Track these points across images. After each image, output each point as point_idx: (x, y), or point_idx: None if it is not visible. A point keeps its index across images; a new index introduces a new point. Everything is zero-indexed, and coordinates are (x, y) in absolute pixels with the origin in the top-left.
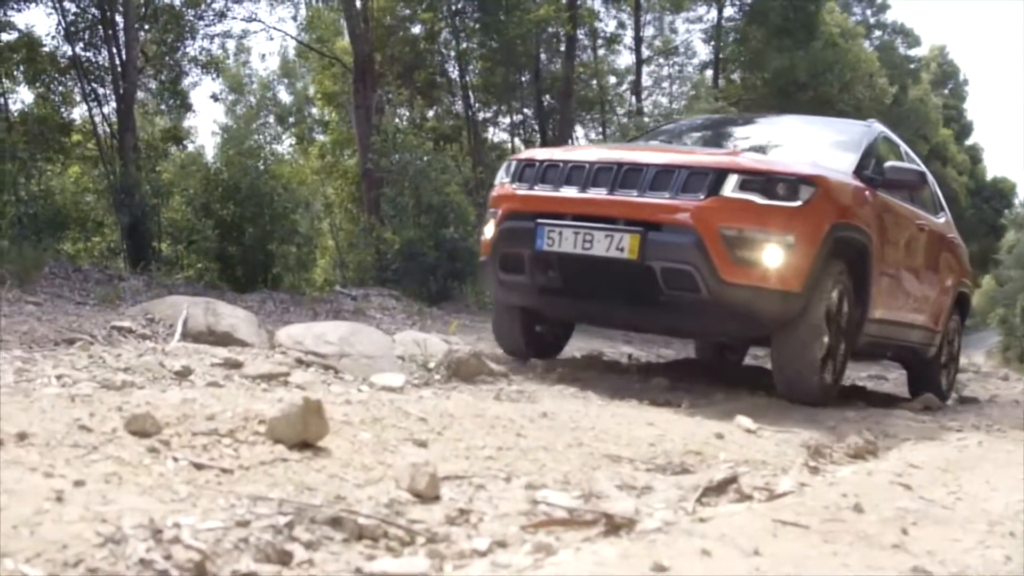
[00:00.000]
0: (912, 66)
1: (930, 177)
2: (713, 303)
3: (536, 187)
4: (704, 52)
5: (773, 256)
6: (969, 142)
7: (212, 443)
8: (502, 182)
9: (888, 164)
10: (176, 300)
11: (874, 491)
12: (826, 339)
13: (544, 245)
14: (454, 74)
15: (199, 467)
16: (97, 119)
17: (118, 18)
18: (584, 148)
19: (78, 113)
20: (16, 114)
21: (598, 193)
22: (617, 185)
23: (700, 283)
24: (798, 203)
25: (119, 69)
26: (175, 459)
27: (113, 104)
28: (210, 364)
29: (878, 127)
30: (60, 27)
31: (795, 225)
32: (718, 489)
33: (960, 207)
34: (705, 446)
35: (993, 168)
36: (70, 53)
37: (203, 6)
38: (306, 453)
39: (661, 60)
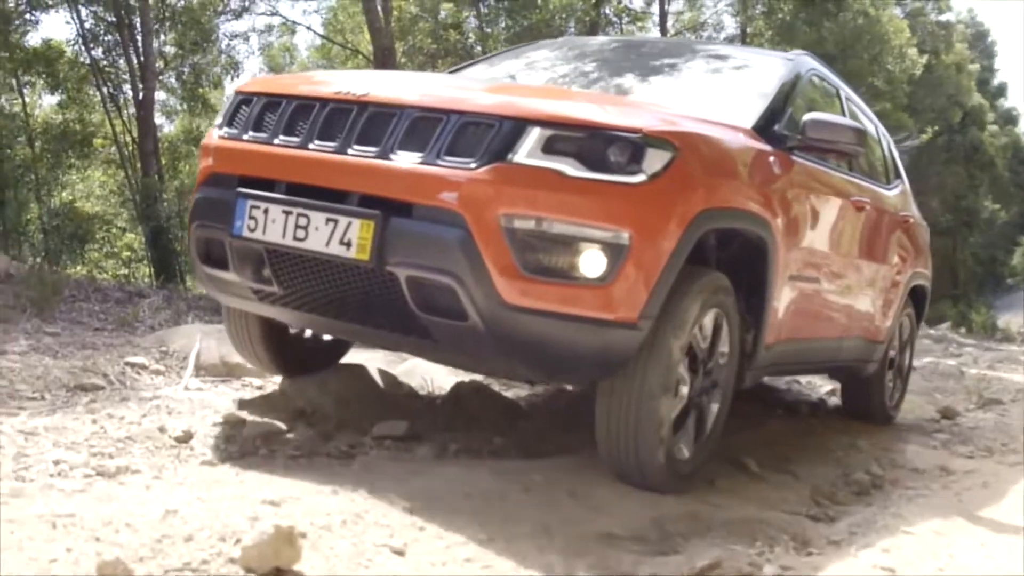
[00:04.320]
0: (943, 32)
1: (882, 133)
2: (491, 337)
3: (246, 135)
4: (732, 26)
5: (592, 264)
6: (1006, 105)
7: None
8: (213, 125)
9: (808, 117)
10: (190, 330)
11: None
12: (684, 390)
13: (244, 229)
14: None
15: None
16: (117, 125)
17: (136, 22)
18: (326, 75)
19: (98, 119)
20: (38, 123)
21: (324, 149)
22: (354, 137)
23: (467, 305)
24: (640, 177)
25: (137, 74)
26: None
27: (132, 110)
28: (211, 424)
29: (806, 62)
30: (78, 34)
31: (633, 213)
32: None
33: (998, 171)
34: (701, 505)
35: None
36: (88, 60)
37: (221, 5)
38: None
39: (688, 35)
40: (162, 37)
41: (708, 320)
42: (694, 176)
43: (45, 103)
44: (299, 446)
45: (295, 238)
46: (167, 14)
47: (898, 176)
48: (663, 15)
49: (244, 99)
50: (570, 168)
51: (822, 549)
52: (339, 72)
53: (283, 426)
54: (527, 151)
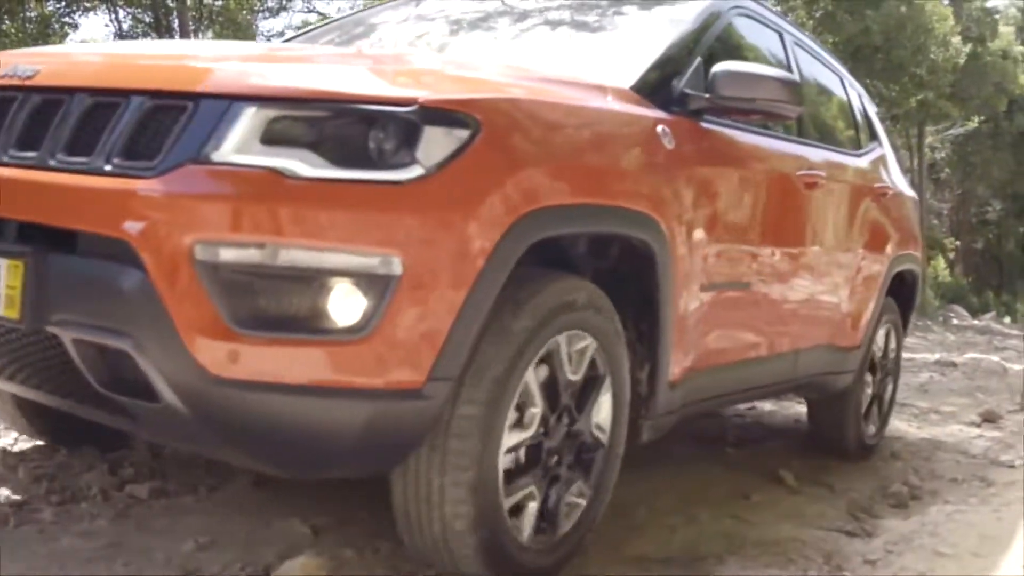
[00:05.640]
0: (989, 19)
1: (850, 86)
2: (200, 423)
3: None
4: None
5: (343, 308)
6: None
7: None
8: None
9: (718, 69)
10: None
11: None
12: (533, 412)
13: None
14: None
15: None
16: None
17: (174, 23)
18: (16, 54)
19: None
20: None
21: None
22: (13, 138)
23: (155, 380)
24: (414, 171)
25: None
26: None
27: None
28: None
29: None
30: (116, 35)
31: (405, 228)
32: None
33: None
34: (736, 522)
35: None
36: None
37: (258, 4)
38: None
39: None
40: (199, 36)
41: (567, 348)
42: (509, 163)
43: None
44: None
45: None
46: (204, 13)
47: (874, 139)
48: None
49: None
50: (303, 165)
51: (856, 570)
52: (39, 49)
53: None
54: (237, 143)
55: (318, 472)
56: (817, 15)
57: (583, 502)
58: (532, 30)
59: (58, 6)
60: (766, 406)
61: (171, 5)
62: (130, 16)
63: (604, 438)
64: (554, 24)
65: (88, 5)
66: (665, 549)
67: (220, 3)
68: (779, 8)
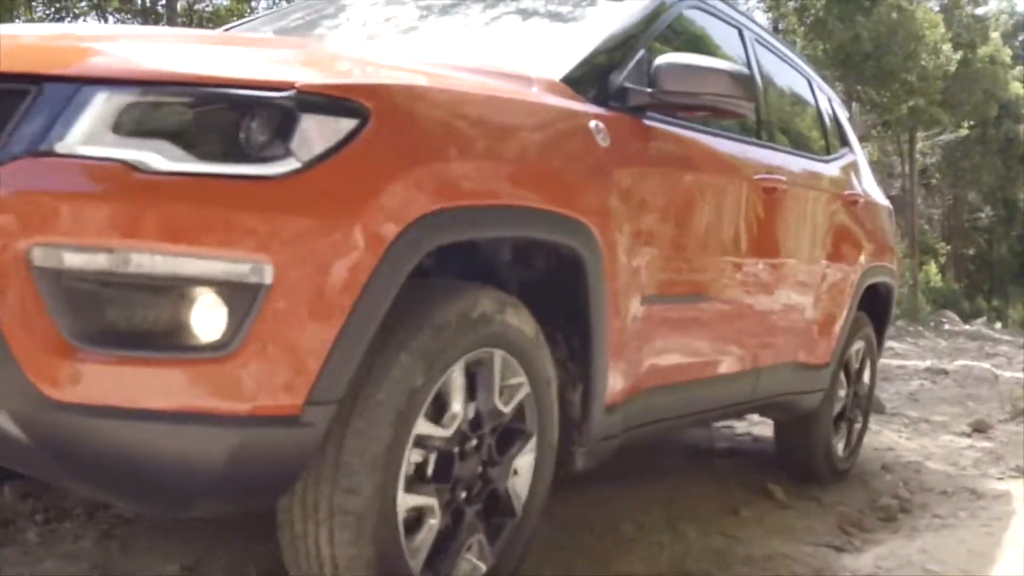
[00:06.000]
0: (979, 26)
1: (819, 89)
2: (43, 453)
3: None
4: (764, 22)
5: (205, 322)
6: None
7: None
8: None
9: (661, 61)
10: None
11: None
12: (434, 508)
13: None
14: None
15: None
16: None
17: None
18: None
19: None
20: None
21: None
22: None
23: None
24: (288, 165)
25: None
26: None
27: None
28: None
29: None
30: None
31: (276, 230)
32: None
33: None
34: (725, 539)
35: None
36: None
37: (248, 11)
38: None
39: None
40: None
41: (459, 372)
42: (405, 157)
43: None
44: None
45: None
46: (194, 20)
47: (845, 144)
48: None
49: None
50: (160, 158)
51: None
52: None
53: None
54: (85, 132)
55: (181, 509)
56: (808, 22)
57: (532, 456)
58: (478, 16)
59: (47, 12)
60: (754, 416)
61: (161, 12)
62: (119, 23)
63: (525, 391)
64: (507, 11)
65: (77, 12)
66: (653, 566)
67: (210, 10)
68: (770, 15)
